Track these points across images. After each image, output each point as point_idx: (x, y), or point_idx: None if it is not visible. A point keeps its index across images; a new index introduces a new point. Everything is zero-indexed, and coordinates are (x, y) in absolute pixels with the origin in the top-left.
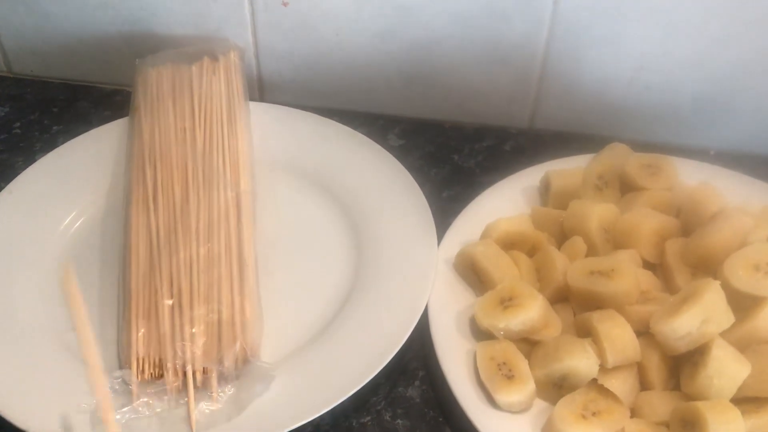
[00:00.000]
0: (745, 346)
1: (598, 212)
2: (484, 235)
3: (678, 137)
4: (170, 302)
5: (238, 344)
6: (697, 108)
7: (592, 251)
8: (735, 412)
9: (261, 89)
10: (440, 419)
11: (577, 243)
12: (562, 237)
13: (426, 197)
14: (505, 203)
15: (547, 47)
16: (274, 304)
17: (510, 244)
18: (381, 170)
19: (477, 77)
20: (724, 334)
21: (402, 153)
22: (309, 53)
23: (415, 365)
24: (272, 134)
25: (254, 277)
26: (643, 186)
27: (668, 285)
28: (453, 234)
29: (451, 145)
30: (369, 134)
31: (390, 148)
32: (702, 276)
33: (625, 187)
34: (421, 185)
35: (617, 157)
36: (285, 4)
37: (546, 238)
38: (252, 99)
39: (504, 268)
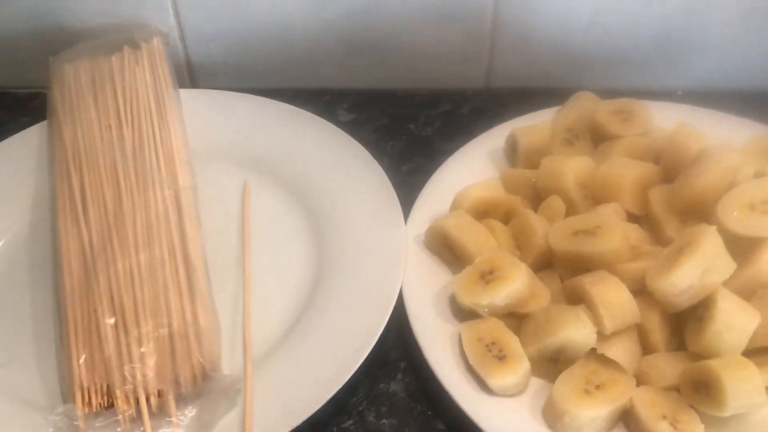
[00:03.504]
0: (750, 293)
1: (573, 167)
2: (454, 206)
3: (643, 80)
4: (112, 321)
5: (194, 359)
6: (659, 48)
7: (571, 210)
8: (751, 368)
9: (192, 75)
10: (429, 413)
11: (555, 203)
12: (537, 199)
13: (385, 172)
14: (471, 170)
15: None
16: (231, 309)
17: (483, 212)
18: (334, 148)
19: (425, 38)
20: (726, 283)
21: (354, 128)
22: (239, 31)
23: (395, 356)
24: (209, 122)
25: (205, 281)
26: (616, 134)
27: (657, 237)
28: (420, 209)
29: (405, 114)
30: (316, 111)
31: (340, 124)
32: (692, 223)
33: (598, 138)
34: (378, 160)
35: (585, 106)
36: None
37: (520, 201)
38: (182, 86)
39: (480, 240)
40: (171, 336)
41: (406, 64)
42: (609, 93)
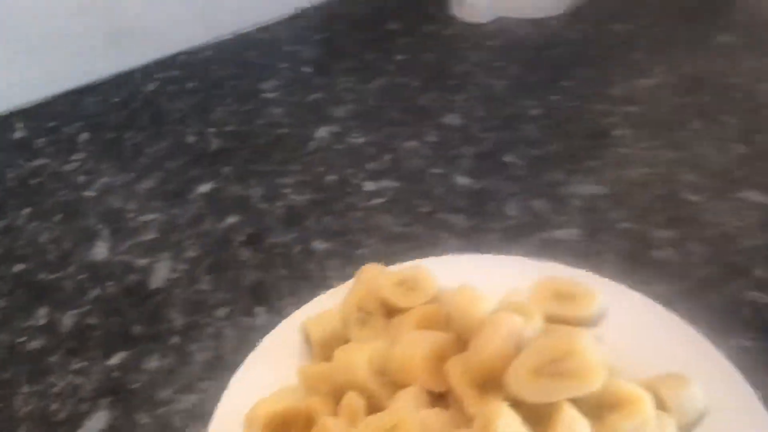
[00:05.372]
0: None
1: (364, 358)
2: (247, 429)
3: None
4: None
5: None
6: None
7: (372, 403)
8: None
9: None
10: None
11: (353, 401)
12: (339, 395)
13: None
14: (271, 374)
15: None
16: None
17: (282, 426)
18: None
19: None
20: None
21: None
22: None
23: None
24: None
25: None
26: (404, 307)
27: (462, 413)
28: None
29: None
30: None
31: None
32: (492, 394)
33: (389, 312)
34: None
35: (372, 280)
36: None
37: (321, 403)
38: None
39: None
40: None
41: None
42: None
